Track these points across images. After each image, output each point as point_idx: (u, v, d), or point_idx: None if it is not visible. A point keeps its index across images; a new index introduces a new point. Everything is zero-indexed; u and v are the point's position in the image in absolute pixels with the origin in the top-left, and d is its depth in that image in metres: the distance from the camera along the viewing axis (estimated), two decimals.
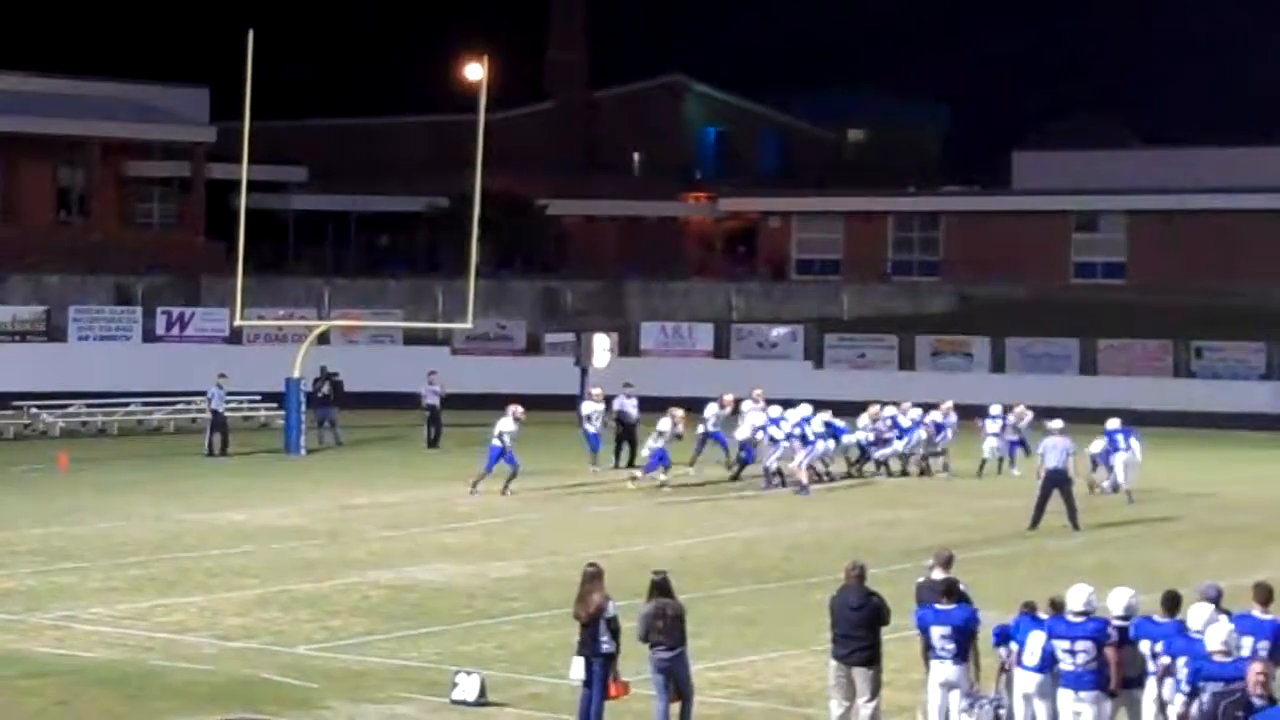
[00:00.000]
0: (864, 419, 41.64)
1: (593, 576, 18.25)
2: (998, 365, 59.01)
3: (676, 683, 18.14)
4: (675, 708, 18.18)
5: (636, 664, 18.67)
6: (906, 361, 59.99)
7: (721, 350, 61.21)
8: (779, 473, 39.07)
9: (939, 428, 41.86)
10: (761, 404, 40.80)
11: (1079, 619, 16.81)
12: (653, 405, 41.67)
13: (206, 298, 64.04)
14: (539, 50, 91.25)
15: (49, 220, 73.02)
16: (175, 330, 59.05)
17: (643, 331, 62.22)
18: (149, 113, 74.60)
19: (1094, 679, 16.65)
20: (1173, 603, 16.85)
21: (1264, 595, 16.86)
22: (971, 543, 30.00)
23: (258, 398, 52.30)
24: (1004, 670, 17.46)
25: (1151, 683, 16.61)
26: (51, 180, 73.66)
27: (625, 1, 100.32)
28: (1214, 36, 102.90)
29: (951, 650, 17.44)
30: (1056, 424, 34.67)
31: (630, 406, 43.00)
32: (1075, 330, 59.92)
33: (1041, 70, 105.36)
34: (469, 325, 49.60)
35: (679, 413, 39.40)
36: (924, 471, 41.65)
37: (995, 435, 41.83)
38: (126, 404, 52.51)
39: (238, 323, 50.78)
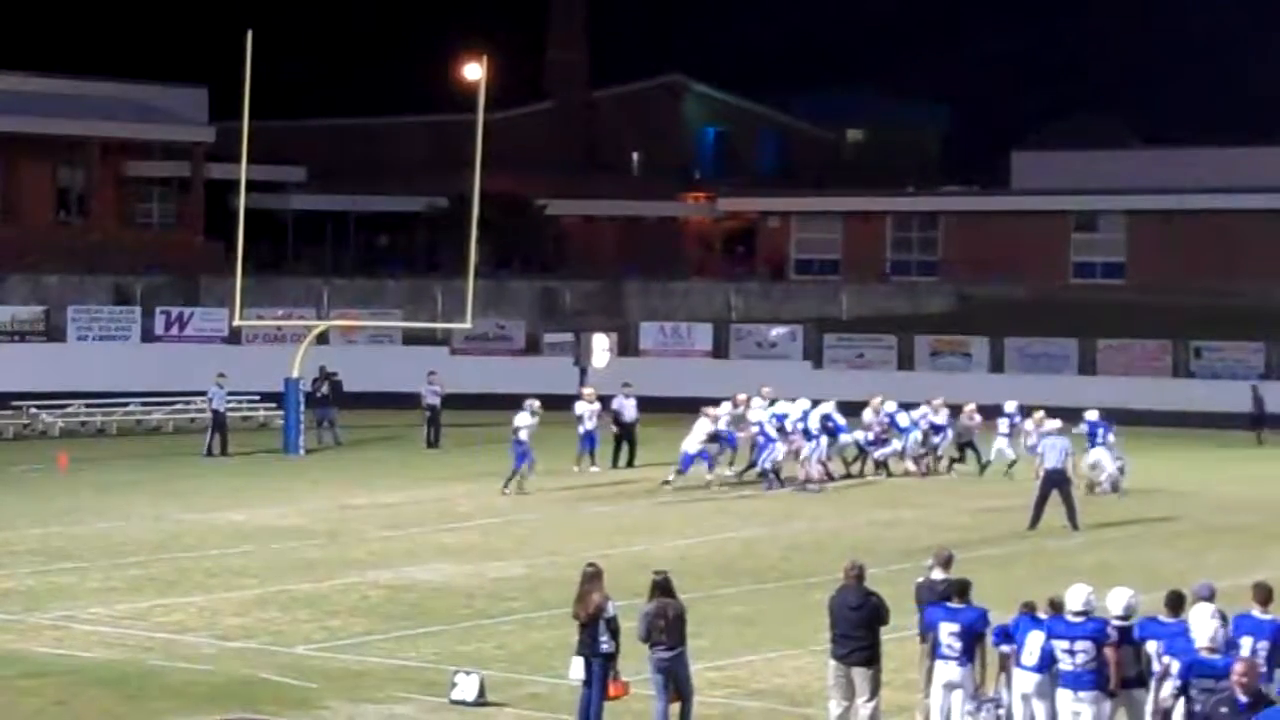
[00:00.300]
0: (867, 413, 41.66)
1: (592, 576, 18.25)
2: (996, 365, 59.01)
3: (676, 683, 18.14)
4: (675, 708, 18.18)
5: (636, 664, 18.66)
6: (905, 361, 59.99)
7: (720, 350, 61.20)
8: (777, 472, 39.03)
9: (937, 428, 41.83)
10: (766, 402, 40.75)
11: (1078, 619, 16.79)
12: (652, 405, 41.66)
13: (205, 298, 64.02)
14: (539, 50, 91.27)
15: (48, 220, 73.03)
16: (174, 330, 59.04)
17: (642, 331, 62.21)
18: (148, 113, 74.61)
19: (1093, 679, 16.63)
20: (1177, 603, 16.82)
21: (1263, 595, 16.84)
22: (970, 543, 29.99)
23: (257, 398, 52.29)
24: (1004, 669, 17.45)
25: (1154, 684, 16.59)
26: (51, 180, 73.67)
27: (625, 1, 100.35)
28: (1214, 36, 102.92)
29: (958, 650, 17.41)
30: (1055, 424, 34.64)
31: (629, 406, 42.98)
32: (1074, 330, 59.91)
33: (1041, 70, 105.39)
34: (468, 325, 49.60)
35: (714, 411, 39.35)
36: (929, 471, 41.59)
37: (1004, 436, 41.69)
38: (125, 404, 52.50)
39: (237, 323, 50.80)
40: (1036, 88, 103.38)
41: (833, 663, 18.13)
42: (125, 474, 41.30)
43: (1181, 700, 15.18)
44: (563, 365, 51.96)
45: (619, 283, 72.73)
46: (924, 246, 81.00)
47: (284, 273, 71.29)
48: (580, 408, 41.93)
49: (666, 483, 38.22)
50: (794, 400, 40.21)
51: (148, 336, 58.63)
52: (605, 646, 17.99)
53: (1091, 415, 38.55)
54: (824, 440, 39.50)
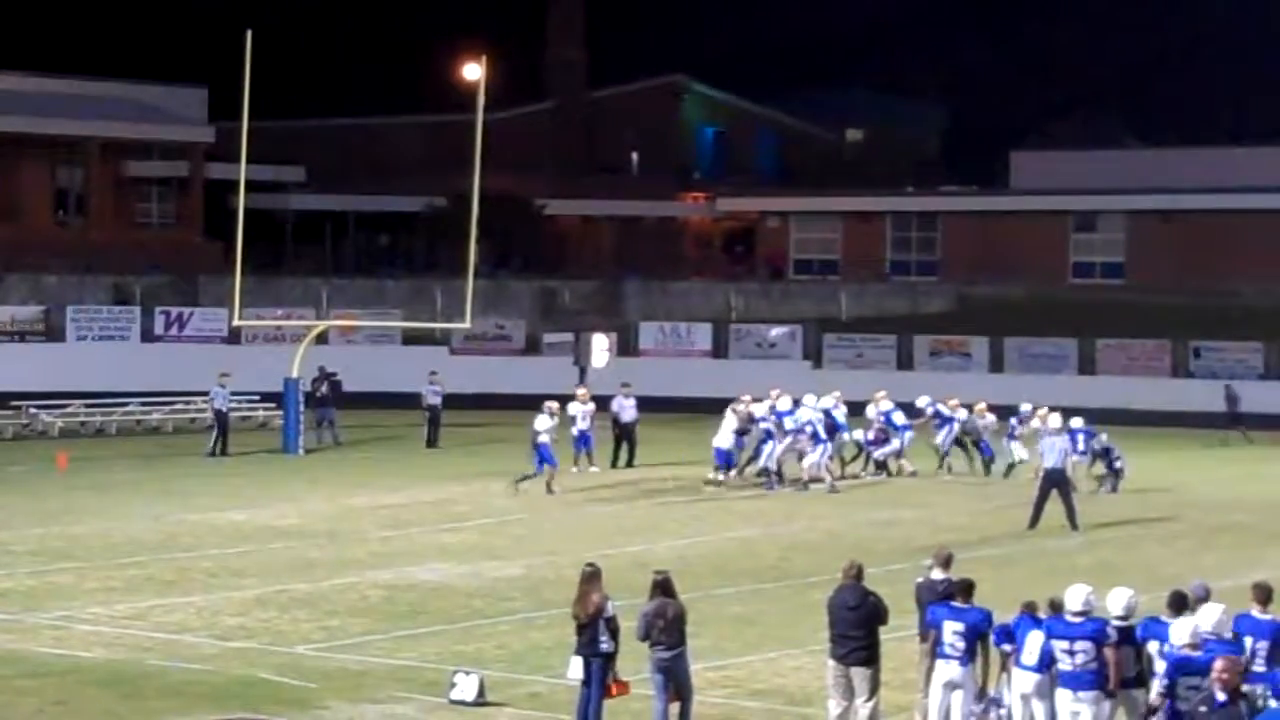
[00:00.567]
0: (871, 409, 41.64)
1: (591, 576, 18.25)
2: (996, 365, 58.96)
3: (676, 683, 18.14)
4: (674, 708, 18.18)
5: (636, 664, 18.67)
6: (905, 361, 59.93)
7: (720, 350, 61.17)
8: (778, 471, 38.98)
9: (943, 420, 41.72)
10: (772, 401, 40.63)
11: (1078, 619, 16.79)
12: (651, 405, 41.61)
13: (205, 298, 64.02)
14: (538, 50, 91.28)
15: (47, 220, 73.10)
16: (174, 330, 59.02)
17: (641, 331, 62.19)
18: (147, 113, 74.64)
19: (1093, 679, 16.63)
20: (1180, 603, 16.79)
21: (1263, 595, 16.83)
22: (969, 543, 29.99)
23: (256, 398, 52.25)
24: (1005, 669, 17.45)
25: (1155, 684, 16.57)
26: (50, 180, 73.75)
27: (624, 1, 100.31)
28: (1214, 37, 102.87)
29: (961, 650, 17.41)
30: (1054, 423, 34.62)
31: (628, 407, 42.95)
32: (1074, 330, 59.91)
33: (1041, 70, 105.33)
34: (467, 325, 49.60)
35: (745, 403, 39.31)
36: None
37: (1013, 438, 41.56)
38: (125, 404, 52.46)
39: (236, 323, 50.77)
40: (1036, 88, 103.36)
41: (831, 663, 18.13)
42: (125, 474, 41.28)
43: (1167, 699, 15.15)
44: (562, 365, 51.93)
45: (618, 283, 72.74)
46: (923, 246, 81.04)
47: (283, 273, 71.30)
48: (573, 408, 41.84)
49: (713, 482, 38.51)
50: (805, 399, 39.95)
51: (147, 336, 58.61)
52: (604, 646, 17.99)
53: (1076, 423, 38.31)
54: (829, 440, 39.41)
